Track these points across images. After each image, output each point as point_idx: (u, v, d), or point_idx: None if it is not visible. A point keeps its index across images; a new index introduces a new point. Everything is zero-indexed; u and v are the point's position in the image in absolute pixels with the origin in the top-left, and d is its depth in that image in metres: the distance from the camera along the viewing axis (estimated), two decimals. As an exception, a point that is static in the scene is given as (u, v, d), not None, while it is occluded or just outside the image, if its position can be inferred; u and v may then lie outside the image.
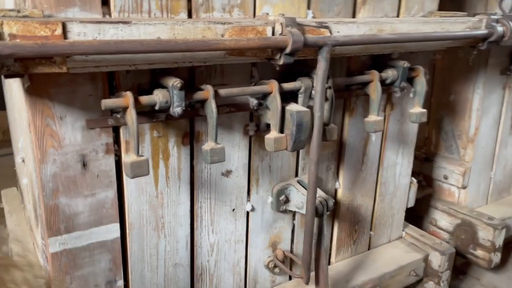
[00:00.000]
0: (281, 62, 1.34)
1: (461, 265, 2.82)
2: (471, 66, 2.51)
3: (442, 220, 2.70)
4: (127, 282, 1.54)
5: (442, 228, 2.70)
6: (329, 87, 1.57)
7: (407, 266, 2.16)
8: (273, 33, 1.33)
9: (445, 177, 2.71)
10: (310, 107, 1.51)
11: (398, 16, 1.86)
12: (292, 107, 1.48)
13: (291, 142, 1.48)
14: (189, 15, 1.35)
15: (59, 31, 0.99)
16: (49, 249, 1.34)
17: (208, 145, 1.34)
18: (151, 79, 1.34)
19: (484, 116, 2.56)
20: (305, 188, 1.74)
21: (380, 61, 1.84)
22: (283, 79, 1.55)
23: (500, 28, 1.86)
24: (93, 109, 1.28)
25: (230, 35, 1.24)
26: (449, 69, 2.62)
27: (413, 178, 2.32)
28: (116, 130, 1.36)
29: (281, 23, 1.31)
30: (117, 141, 1.37)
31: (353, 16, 1.74)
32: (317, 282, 1.78)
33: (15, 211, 1.92)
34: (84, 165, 1.32)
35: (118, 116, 1.31)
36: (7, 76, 1.05)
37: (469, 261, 2.61)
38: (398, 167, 2.19)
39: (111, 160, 1.36)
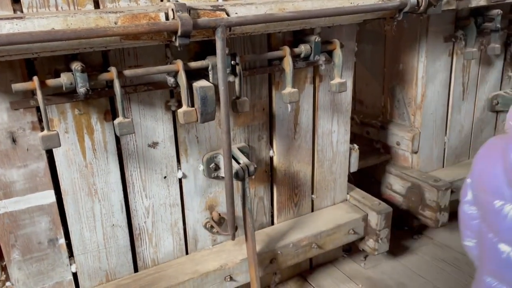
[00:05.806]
0: (177, 43, 1.52)
1: (418, 226, 2.97)
2: (415, 35, 2.61)
3: (396, 184, 2.84)
4: (69, 241, 1.79)
5: (396, 191, 2.85)
6: (237, 64, 1.74)
7: (345, 225, 2.34)
8: (167, 18, 1.50)
9: (398, 143, 2.84)
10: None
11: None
12: (198, 83, 1.66)
13: (199, 114, 1.67)
14: (97, 6, 1.54)
15: (-40, 29, 1.20)
16: (-8, 212, 1.60)
17: (117, 119, 1.55)
18: (66, 64, 1.55)
19: (430, 83, 2.66)
20: (233, 157, 1.94)
21: (300, 37, 1.98)
22: (199, 58, 1.73)
23: (413, -1, 1.96)
24: (16, 93, 1.49)
25: (123, 22, 1.43)
26: (397, 39, 2.72)
27: (354, 145, 2.47)
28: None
29: (172, 9, 1.48)
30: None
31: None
32: (246, 239, 1.99)
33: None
34: (14, 140, 1.55)
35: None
36: None
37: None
38: (335, 135, 2.34)
39: (38, 135, 1.59)
